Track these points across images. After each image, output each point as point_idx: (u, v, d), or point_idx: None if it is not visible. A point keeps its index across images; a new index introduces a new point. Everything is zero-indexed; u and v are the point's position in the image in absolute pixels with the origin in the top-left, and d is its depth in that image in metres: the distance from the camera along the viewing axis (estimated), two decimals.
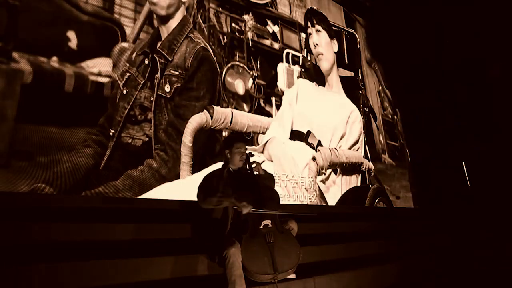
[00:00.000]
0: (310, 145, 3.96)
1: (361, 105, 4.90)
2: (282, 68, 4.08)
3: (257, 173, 2.45)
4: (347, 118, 4.54)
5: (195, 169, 2.98)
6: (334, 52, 4.68)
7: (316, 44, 4.53)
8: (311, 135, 4.00)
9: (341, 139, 4.34)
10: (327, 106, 4.39)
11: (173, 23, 3.19)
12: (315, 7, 4.84)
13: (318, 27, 4.61)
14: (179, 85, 3.06)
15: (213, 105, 3.25)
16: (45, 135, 2.35)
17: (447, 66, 5.92)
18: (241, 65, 3.67)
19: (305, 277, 2.46)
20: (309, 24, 4.60)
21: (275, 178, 2.64)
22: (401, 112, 5.87)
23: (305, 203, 3.70)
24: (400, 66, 6.05)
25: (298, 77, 4.25)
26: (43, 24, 2.53)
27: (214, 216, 2.23)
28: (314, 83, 4.38)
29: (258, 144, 3.61)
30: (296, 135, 3.91)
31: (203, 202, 2.15)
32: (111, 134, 2.65)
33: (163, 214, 2.68)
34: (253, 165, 2.42)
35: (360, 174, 4.49)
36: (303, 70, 4.29)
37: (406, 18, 6.02)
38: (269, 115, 3.79)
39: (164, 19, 3.16)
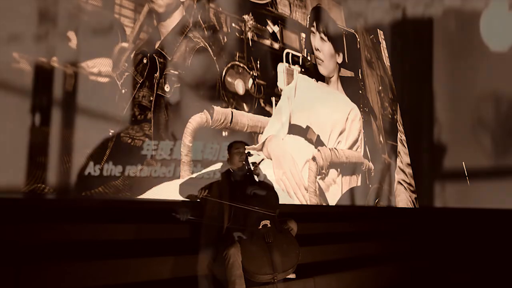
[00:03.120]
0: (309, 140, 3.96)
1: (361, 105, 4.90)
2: (282, 68, 4.08)
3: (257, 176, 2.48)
4: (346, 115, 4.53)
5: (195, 169, 2.99)
6: (337, 63, 4.66)
7: (318, 49, 4.50)
8: (310, 130, 4.00)
9: (340, 134, 4.34)
10: (327, 101, 4.39)
11: (172, 22, 3.19)
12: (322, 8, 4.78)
13: (323, 35, 4.57)
14: (178, 85, 3.06)
15: (213, 105, 3.25)
16: (45, 135, 2.35)
17: None
18: (241, 65, 3.67)
19: (305, 277, 2.46)
20: (314, 25, 4.57)
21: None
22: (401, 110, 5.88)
23: (304, 203, 3.70)
24: (400, 65, 6.05)
25: None
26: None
27: (208, 214, 2.24)
28: (313, 79, 4.37)
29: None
30: (295, 130, 3.91)
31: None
32: (110, 134, 2.65)
33: (163, 214, 2.68)
34: (253, 168, 2.45)
35: (360, 174, 4.49)
36: (303, 70, 4.28)
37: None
38: (269, 115, 3.78)
39: (163, 18, 3.16)
